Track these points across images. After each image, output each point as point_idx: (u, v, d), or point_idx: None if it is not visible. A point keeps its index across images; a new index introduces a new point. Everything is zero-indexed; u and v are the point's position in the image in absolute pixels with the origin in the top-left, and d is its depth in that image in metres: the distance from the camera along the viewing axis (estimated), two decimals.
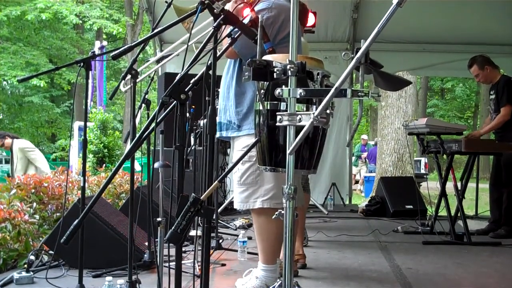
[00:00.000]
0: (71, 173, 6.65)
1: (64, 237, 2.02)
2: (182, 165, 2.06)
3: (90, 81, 3.08)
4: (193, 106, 3.76)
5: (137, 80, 3.00)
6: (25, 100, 25.28)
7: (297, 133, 1.96)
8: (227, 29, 2.64)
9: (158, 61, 4.93)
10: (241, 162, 3.06)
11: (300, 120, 2.00)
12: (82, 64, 2.87)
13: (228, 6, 3.11)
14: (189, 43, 3.32)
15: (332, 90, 1.84)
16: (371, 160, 16.15)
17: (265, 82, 2.37)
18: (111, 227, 3.72)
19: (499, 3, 7.03)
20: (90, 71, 2.94)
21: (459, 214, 5.21)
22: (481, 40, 7.62)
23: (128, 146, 2.89)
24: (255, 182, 3.07)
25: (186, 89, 2.08)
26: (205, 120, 4.00)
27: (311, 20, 5.44)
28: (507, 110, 5.44)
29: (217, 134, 3.27)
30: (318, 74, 2.38)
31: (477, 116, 26.86)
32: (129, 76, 2.95)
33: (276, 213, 2.13)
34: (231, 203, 6.96)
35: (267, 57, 2.51)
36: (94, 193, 5.68)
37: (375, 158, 15.79)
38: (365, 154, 17.98)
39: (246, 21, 2.75)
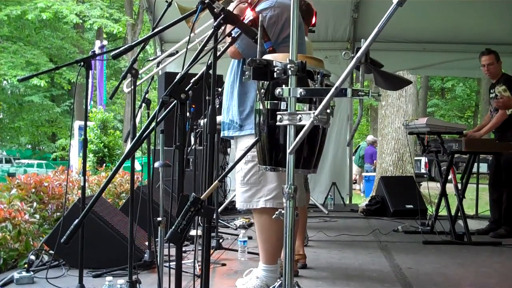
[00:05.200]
0: (71, 172, 6.65)
1: (65, 237, 2.02)
2: (183, 165, 2.06)
3: (90, 80, 3.07)
4: (194, 106, 3.76)
5: (139, 82, 3.00)
6: (26, 99, 25.31)
7: (297, 132, 1.96)
8: (229, 28, 2.64)
9: (158, 64, 4.93)
10: (244, 161, 3.07)
11: (300, 120, 2.00)
12: (82, 63, 2.88)
13: (231, 6, 3.12)
14: (193, 44, 3.33)
15: (333, 89, 1.83)
16: (366, 159, 16.16)
17: (266, 82, 2.37)
18: (112, 227, 3.72)
19: (499, 2, 7.02)
20: (90, 71, 2.94)
21: (459, 214, 5.21)
22: (482, 40, 7.60)
23: (129, 145, 2.89)
24: (258, 181, 3.07)
25: (186, 89, 2.08)
26: (205, 120, 3.99)
27: (313, 19, 5.43)
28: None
29: (221, 134, 3.29)
30: (318, 73, 2.38)
31: (478, 115, 26.83)
32: (130, 78, 2.95)
33: (277, 212, 2.13)
34: (232, 202, 6.96)
35: (267, 57, 2.51)
36: (94, 192, 5.68)
37: (369, 157, 15.84)
38: None
39: (246, 20, 2.75)
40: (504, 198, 5.55)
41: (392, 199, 7.11)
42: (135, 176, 3.06)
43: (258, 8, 3.09)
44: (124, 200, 5.29)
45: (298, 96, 2.03)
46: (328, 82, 2.47)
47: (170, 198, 4.36)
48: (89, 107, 11.54)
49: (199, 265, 2.87)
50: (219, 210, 5.60)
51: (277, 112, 2.07)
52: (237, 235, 4.56)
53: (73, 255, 3.38)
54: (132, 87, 2.95)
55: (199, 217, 2.41)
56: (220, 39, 2.44)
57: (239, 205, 3.17)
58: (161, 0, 3.23)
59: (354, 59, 1.83)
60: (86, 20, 20.62)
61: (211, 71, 2.18)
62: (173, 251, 2.13)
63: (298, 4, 2.06)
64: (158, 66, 4.99)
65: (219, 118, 3.47)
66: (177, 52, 4.24)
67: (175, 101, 2.06)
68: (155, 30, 2.73)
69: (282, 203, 2.05)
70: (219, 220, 4.85)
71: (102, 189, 2.26)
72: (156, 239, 2.86)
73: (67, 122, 26.86)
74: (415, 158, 15.36)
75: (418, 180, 10.24)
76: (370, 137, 17.68)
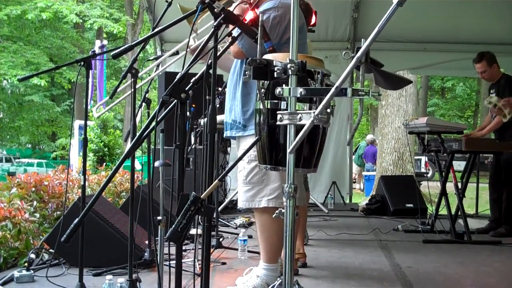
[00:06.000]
0: (71, 171, 6.66)
1: (65, 236, 2.03)
2: (183, 164, 2.06)
3: (90, 80, 3.08)
4: (194, 105, 3.76)
5: (140, 84, 3.00)
6: (26, 99, 25.30)
7: (297, 132, 1.97)
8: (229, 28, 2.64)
9: (158, 65, 4.94)
10: (247, 161, 3.07)
11: (300, 119, 2.00)
12: (82, 63, 2.88)
13: (233, 6, 3.12)
14: (196, 44, 3.33)
15: (333, 89, 1.84)
16: (367, 159, 16.13)
17: (266, 81, 2.38)
18: (112, 226, 3.73)
19: (499, 2, 7.02)
20: (90, 70, 2.94)
21: (459, 213, 5.21)
22: (482, 40, 7.60)
23: (129, 145, 2.89)
24: (261, 181, 3.08)
25: (186, 88, 2.08)
26: (205, 119, 4.00)
27: (312, 19, 5.44)
28: None
29: (224, 134, 3.30)
30: (318, 73, 2.38)
31: (478, 115, 26.83)
32: (130, 80, 2.95)
33: (277, 211, 2.13)
34: (232, 201, 6.97)
35: (267, 56, 2.51)
36: (95, 191, 5.69)
37: (370, 157, 15.80)
38: None
39: (247, 20, 2.75)
40: (504, 197, 5.55)
41: (392, 198, 7.11)
42: (135, 175, 3.06)
43: (261, 9, 3.09)
44: (124, 199, 5.30)
45: (298, 95, 2.03)
46: (328, 81, 2.47)
47: (170, 197, 4.36)
48: (89, 107, 11.54)
49: (199, 264, 2.88)
50: (219, 209, 5.60)
51: (277, 112, 2.07)
52: (237, 234, 4.56)
53: (73, 254, 3.39)
54: (132, 87, 2.95)
55: (199, 216, 2.41)
56: (220, 39, 2.45)
57: (241, 204, 3.17)
58: (161, 0, 3.24)
59: (354, 59, 1.83)
60: (86, 20, 20.60)
61: (211, 71, 2.19)
62: (173, 250, 2.13)
63: (298, 4, 2.06)
64: (158, 67, 4.99)
65: (219, 118, 3.47)
66: (178, 52, 4.25)
67: (175, 100, 2.07)
68: (155, 30, 2.74)
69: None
70: (219, 219, 4.85)
71: (102, 188, 2.26)
72: (156, 238, 2.87)
73: (67, 122, 26.86)
74: (415, 157, 15.34)
75: (418, 179, 10.25)
76: (370, 136, 17.66)
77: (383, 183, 7.41)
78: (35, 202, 4.50)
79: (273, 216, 2.15)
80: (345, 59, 7.50)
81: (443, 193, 5.37)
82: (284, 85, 2.05)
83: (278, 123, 2.06)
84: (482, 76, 5.77)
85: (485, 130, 5.60)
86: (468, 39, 7.77)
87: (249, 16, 2.89)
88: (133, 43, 2.77)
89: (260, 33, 2.44)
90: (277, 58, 2.33)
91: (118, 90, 3.39)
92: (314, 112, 1.87)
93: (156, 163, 3.27)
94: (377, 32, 1.75)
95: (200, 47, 2.24)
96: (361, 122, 25.93)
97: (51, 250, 3.79)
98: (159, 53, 7.81)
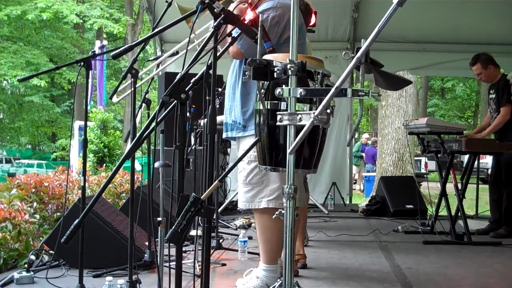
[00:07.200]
0: (71, 172, 6.66)
1: (65, 237, 2.02)
2: (183, 165, 2.06)
3: (90, 80, 3.07)
4: (194, 106, 3.76)
5: (139, 84, 3.00)
6: (26, 99, 25.33)
7: (297, 132, 1.96)
8: (230, 28, 2.64)
9: (158, 65, 4.94)
10: (247, 161, 3.07)
11: (300, 120, 2.00)
12: (82, 63, 2.87)
13: (232, 6, 3.12)
14: (193, 44, 3.33)
15: (333, 89, 1.84)
16: (367, 160, 16.13)
17: (266, 82, 2.38)
18: (112, 227, 3.72)
19: (499, 3, 7.02)
20: (90, 71, 2.94)
21: (459, 214, 5.20)
22: (481, 40, 7.61)
23: (129, 145, 2.89)
24: (261, 182, 3.07)
25: (186, 89, 2.08)
26: (205, 120, 3.99)
27: (311, 19, 5.44)
28: (506, 110, 5.42)
29: (224, 135, 3.29)
30: (318, 73, 2.38)
31: (478, 115, 26.85)
32: (130, 80, 2.95)
33: (277, 212, 2.13)
34: (232, 202, 6.96)
35: (267, 57, 2.51)
36: (95, 192, 5.68)
37: (371, 157, 15.79)
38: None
39: (246, 20, 2.75)
40: (504, 198, 5.55)
41: (392, 199, 7.11)
42: (135, 176, 3.06)
43: (260, 9, 3.09)
44: (124, 200, 5.29)
45: (298, 96, 2.03)
46: (328, 82, 2.47)
47: (170, 198, 4.36)
48: (89, 107, 11.53)
49: (199, 265, 2.88)
50: (219, 210, 5.60)
51: (277, 112, 2.07)
52: (237, 235, 4.56)
53: (73, 255, 3.38)
54: (132, 87, 2.95)
55: (199, 217, 2.41)
56: (220, 39, 2.44)
57: (241, 205, 3.17)
58: (161, 0, 3.24)
59: (354, 59, 1.83)
60: (86, 20, 20.62)
61: (211, 71, 2.18)
62: (173, 251, 2.13)
63: (298, 5, 2.06)
64: (158, 67, 4.99)
65: (219, 118, 3.47)
66: (177, 52, 4.24)
67: (175, 101, 2.06)
68: (155, 30, 2.74)
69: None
70: (219, 220, 4.84)
71: (102, 189, 2.26)
72: (156, 239, 2.86)
73: (67, 122, 26.88)
74: (415, 158, 15.34)
75: (418, 180, 10.24)
76: (365, 135, 17.69)
77: (383, 184, 7.41)
78: (35, 203, 4.50)
79: (273, 217, 2.15)
80: (345, 60, 7.57)
81: (443, 194, 5.37)
82: (284, 85, 2.04)
83: (278, 123, 2.06)
84: (479, 78, 5.81)
85: (486, 131, 5.59)
86: (468, 39, 7.76)
87: (248, 16, 2.89)
88: (133, 44, 2.76)
89: (260, 33, 2.44)
90: (277, 59, 2.33)
91: (119, 91, 3.39)
92: (314, 113, 1.86)
93: (156, 164, 3.26)
94: (377, 32, 1.74)
95: (200, 47, 2.23)
96: (361, 122, 25.94)
97: (51, 252, 3.79)
98: (159, 53, 7.81)
